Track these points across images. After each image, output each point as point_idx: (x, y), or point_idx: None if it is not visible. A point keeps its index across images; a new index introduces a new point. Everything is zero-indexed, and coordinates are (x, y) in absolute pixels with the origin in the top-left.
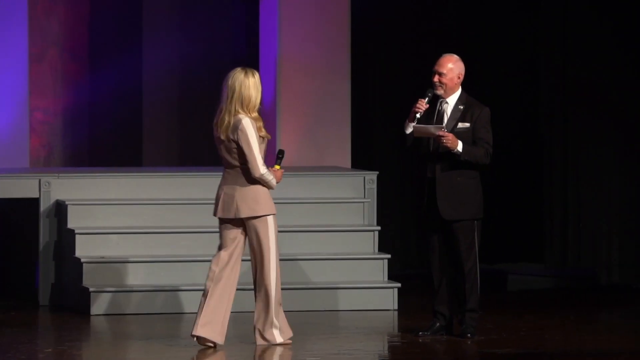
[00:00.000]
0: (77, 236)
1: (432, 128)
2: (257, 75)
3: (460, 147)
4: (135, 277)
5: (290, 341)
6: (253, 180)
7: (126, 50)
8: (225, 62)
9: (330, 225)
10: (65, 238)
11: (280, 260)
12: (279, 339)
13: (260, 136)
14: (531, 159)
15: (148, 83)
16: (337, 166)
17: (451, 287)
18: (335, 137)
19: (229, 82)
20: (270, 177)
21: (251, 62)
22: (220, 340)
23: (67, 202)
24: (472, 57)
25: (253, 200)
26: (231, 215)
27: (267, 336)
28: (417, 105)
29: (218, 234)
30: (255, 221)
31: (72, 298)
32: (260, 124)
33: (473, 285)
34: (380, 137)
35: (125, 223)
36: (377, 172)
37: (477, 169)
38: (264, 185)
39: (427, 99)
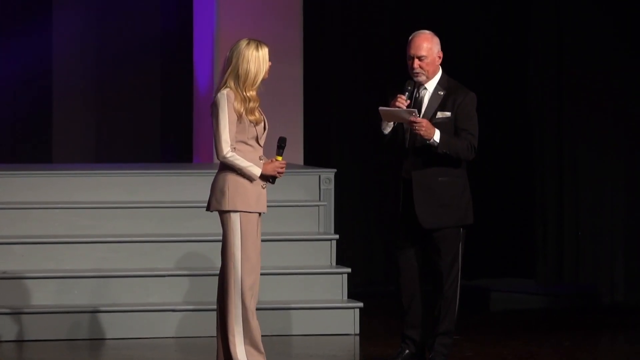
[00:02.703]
0: None
1: (402, 112)
2: (263, 49)
3: (437, 136)
4: (44, 296)
5: None
6: (225, 166)
7: (33, 25)
8: (150, 39)
9: (278, 234)
10: None
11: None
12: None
13: (250, 120)
14: (520, 155)
15: (59, 64)
16: (287, 162)
17: (424, 307)
18: (285, 128)
19: (228, 54)
20: (241, 162)
21: (183, 39)
22: None
23: None
24: (450, 39)
25: (220, 192)
26: (208, 209)
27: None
28: (396, 102)
29: (142, 244)
30: (221, 216)
31: None
32: (254, 105)
33: (450, 304)
34: (338, 129)
35: (31, 231)
36: (335, 170)
37: (462, 166)
38: (241, 174)
39: (407, 94)
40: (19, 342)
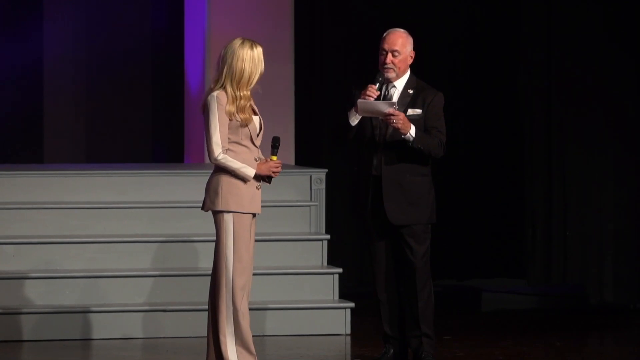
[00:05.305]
0: None
1: (381, 104)
2: (257, 49)
3: (412, 131)
4: (35, 296)
5: None
6: (218, 167)
7: (24, 26)
8: (141, 39)
9: (269, 234)
10: None
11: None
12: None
13: (240, 118)
14: (510, 156)
15: (50, 64)
16: None
17: (401, 304)
18: (277, 128)
19: (222, 52)
20: (233, 164)
21: (173, 38)
22: None
23: None
24: (437, 39)
25: (214, 192)
26: (203, 208)
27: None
28: (367, 92)
29: (133, 244)
30: (214, 216)
31: None
32: (245, 103)
33: (428, 305)
34: (329, 129)
35: (22, 231)
36: (326, 170)
37: (429, 165)
38: (234, 176)
39: (377, 85)
40: (10, 342)
